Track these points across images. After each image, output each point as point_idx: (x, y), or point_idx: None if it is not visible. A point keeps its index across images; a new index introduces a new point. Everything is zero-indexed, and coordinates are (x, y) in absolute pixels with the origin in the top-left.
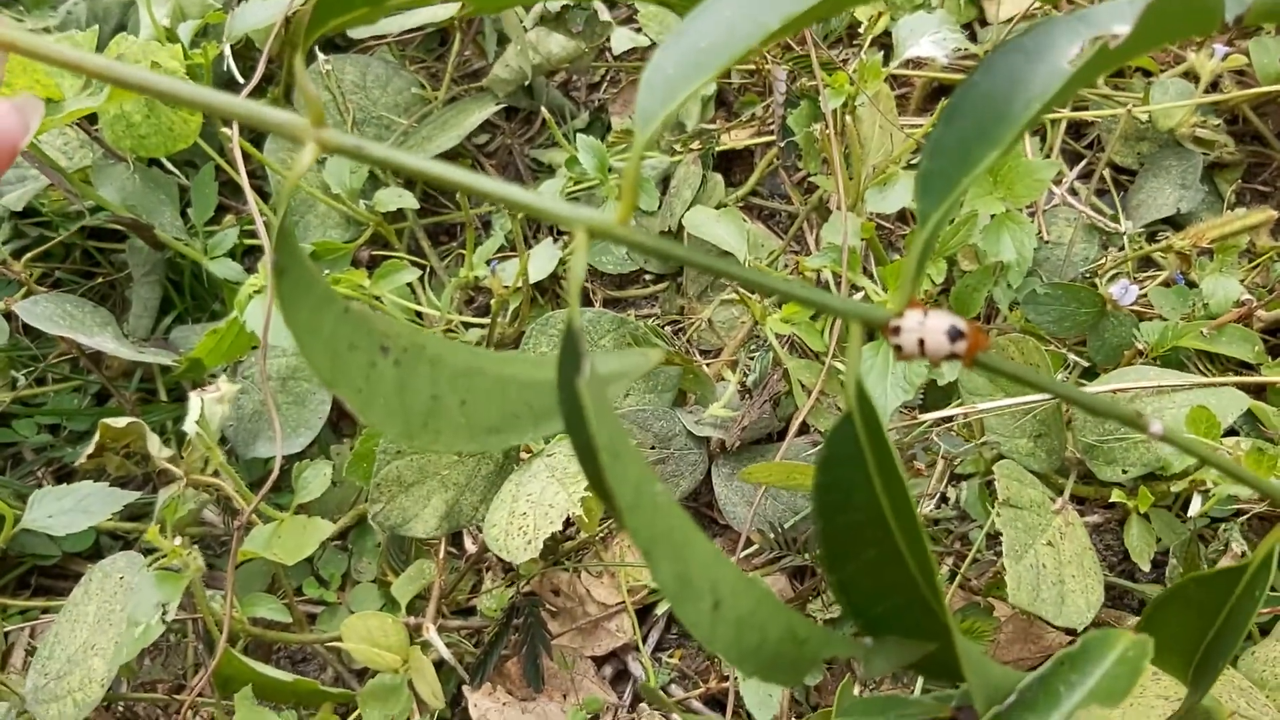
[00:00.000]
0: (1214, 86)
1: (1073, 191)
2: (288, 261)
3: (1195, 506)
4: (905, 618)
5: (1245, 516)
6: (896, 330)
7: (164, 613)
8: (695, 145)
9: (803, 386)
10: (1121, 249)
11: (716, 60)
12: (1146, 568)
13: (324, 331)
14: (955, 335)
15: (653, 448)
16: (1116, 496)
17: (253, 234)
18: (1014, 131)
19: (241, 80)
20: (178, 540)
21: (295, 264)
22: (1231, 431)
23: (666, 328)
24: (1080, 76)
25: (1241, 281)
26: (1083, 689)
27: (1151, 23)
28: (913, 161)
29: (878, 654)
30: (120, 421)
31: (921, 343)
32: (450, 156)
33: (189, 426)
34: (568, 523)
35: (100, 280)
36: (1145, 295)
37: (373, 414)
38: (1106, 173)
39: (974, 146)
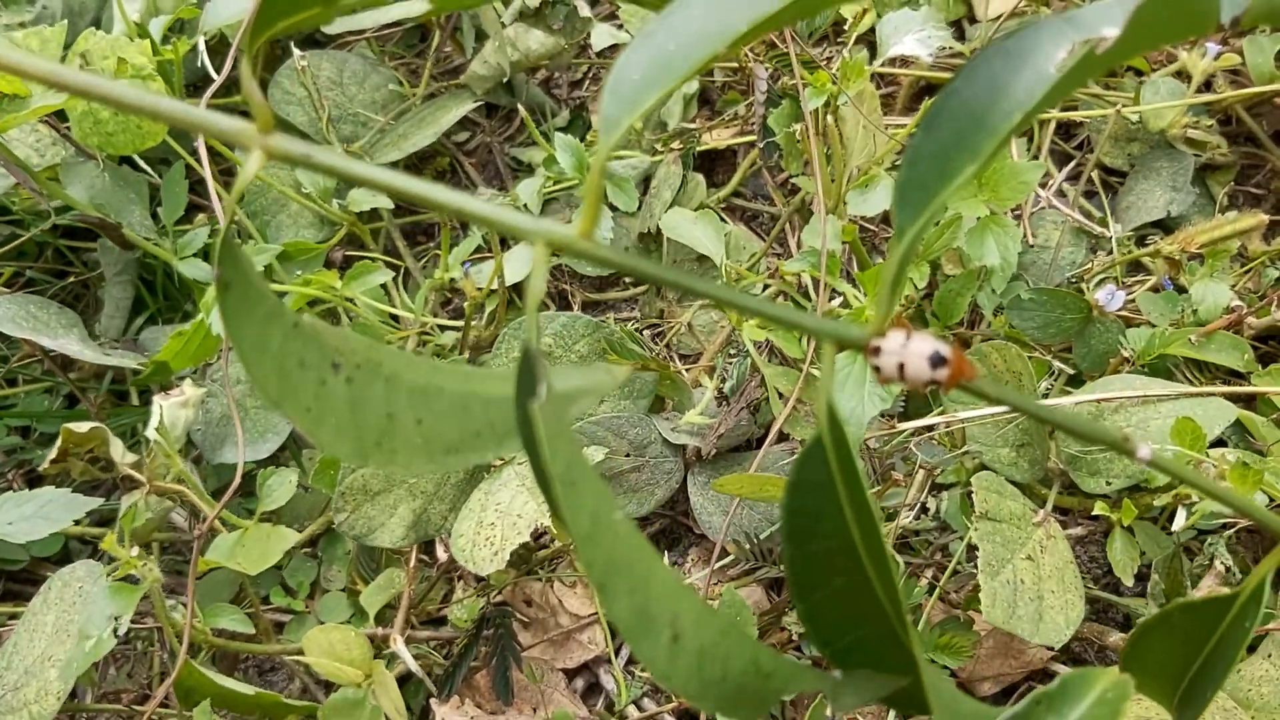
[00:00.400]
0: (1207, 86)
1: (1060, 194)
2: (232, 274)
3: (1180, 520)
4: (874, 649)
5: (1232, 530)
6: (876, 351)
7: (116, 626)
8: (676, 145)
9: (780, 394)
10: (1110, 253)
11: (684, 65)
12: (1130, 582)
13: (271, 348)
14: (938, 361)
15: (627, 455)
16: (1100, 509)
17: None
18: (994, 142)
19: (215, 76)
20: (135, 550)
21: (240, 277)
22: (1220, 442)
23: (645, 331)
24: (1065, 83)
25: (1232, 287)
26: None
27: (1142, 25)
28: (897, 163)
29: (846, 689)
30: (83, 426)
31: (901, 367)
32: (428, 155)
33: (150, 432)
34: (542, 530)
35: (73, 280)
36: (1133, 301)
37: (323, 434)
38: (1095, 174)
39: (953, 156)
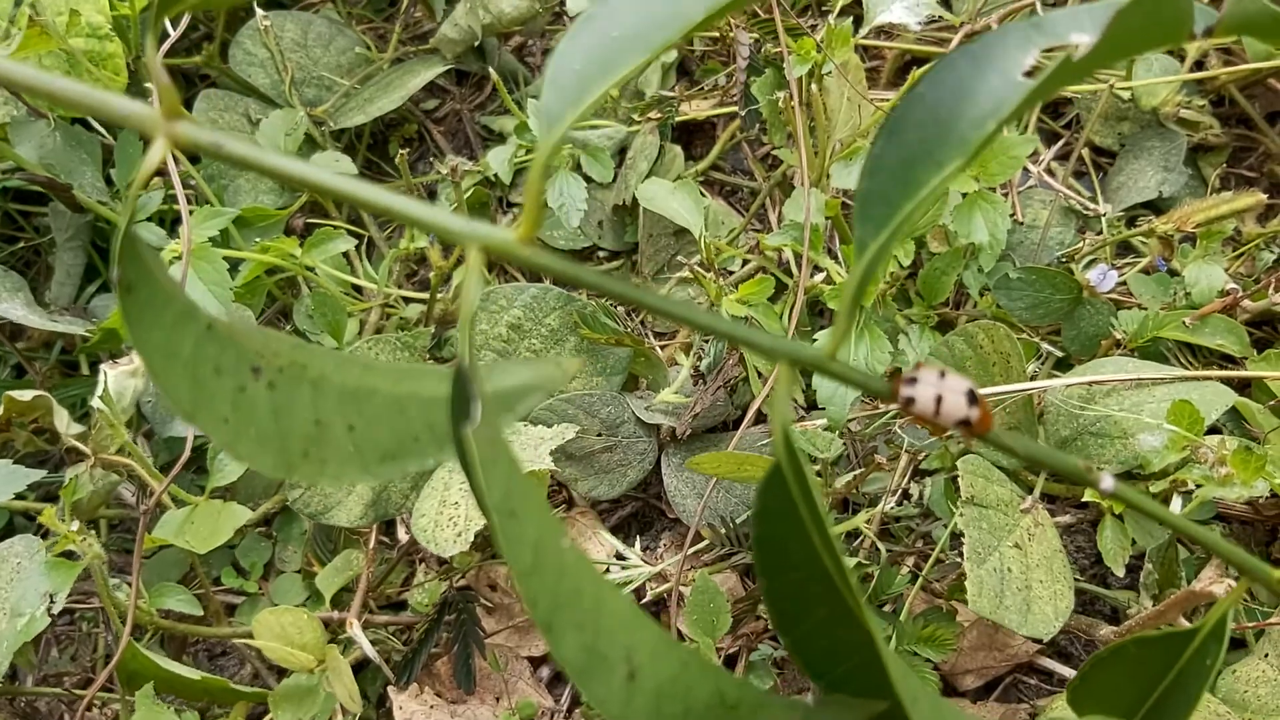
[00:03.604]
0: (1199, 65)
1: (1049, 173)
2: (135, 275)
3: (1175, 508)
4: (865, 678)
5: (1230, 522)
6: (912, 382)
7: (51, 604)
8: (653, 114)
9: (759, 373)
10: (1099, 233)
11: (631, 54)
12: (1121, 573)
13: (183, 354)
14: (972, 400)
15: (599, 434)
16: (1090, 496)
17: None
18: (963, 153)
19: (172, 32)
20: (75, 525)
21: (145, 278)
22: (1214, 430)
23: (619, 307)
24: (1039, 91)
25: (1225, 270)
26: None
27: (1116, 34)
28: None
29: (817, 717)
30: (26, 395)
31: (939, 400)
32: (394, 122)
33: (95, 402)
34: None
35: (22, 245)
36: (1124, 283)
37: (243, 447)
38: (1086, 153)
39: (917, 168)
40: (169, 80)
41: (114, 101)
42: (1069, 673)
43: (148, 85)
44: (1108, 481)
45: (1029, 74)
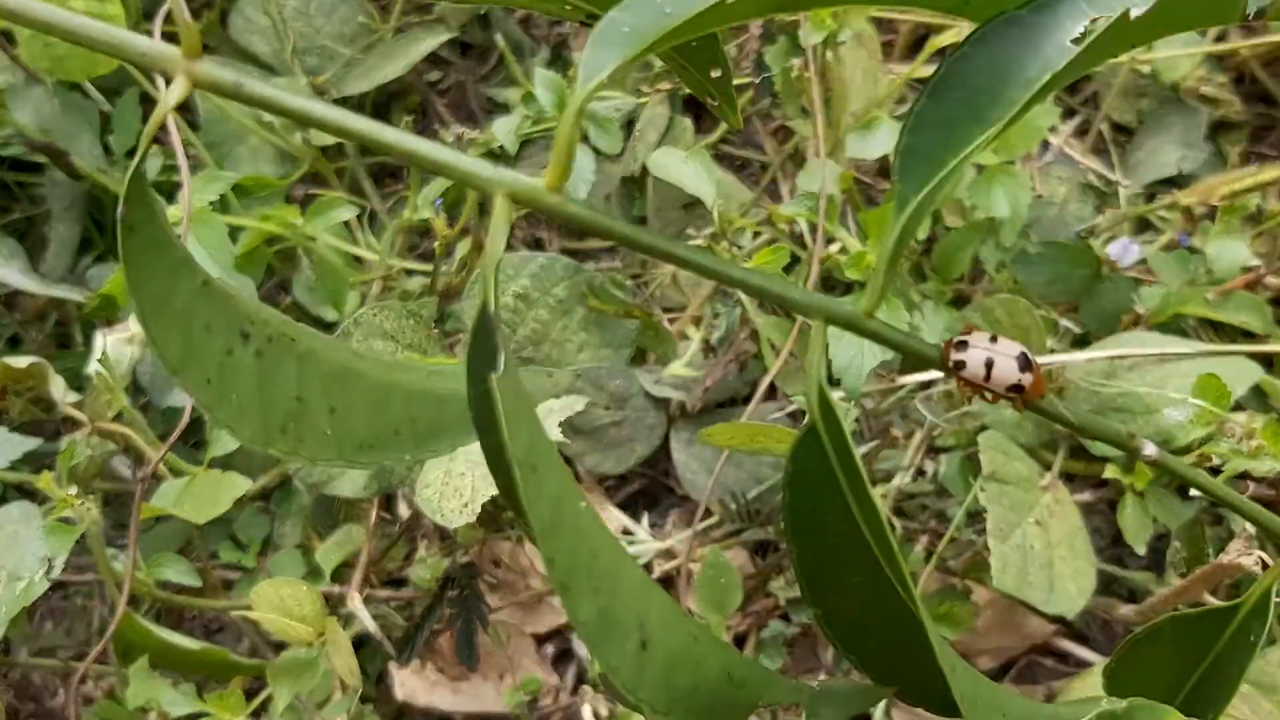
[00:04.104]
0: (1221, 39)
1: (1067, 148)
2: (138, 217)
3: None
4: (901, 651)
5: (1256, 500)
6: (962, 345)
7: (49, 568)
8: (663, 85)
9: (773, 346)
10: (1118, 209)
11: (679, 31)
12: (1142, 551)
13: (175, 305)
14: (1025, 365)
15: (606, 408)
16: (1110, 473)
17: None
18: (1010, 112)
19: None
20: (73, 489)
21: (148, 221)
22: (1236, 407)
23: (628, 282)
24: (1087, 57)
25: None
26: None
27: (1168, 8)
28: (898, 114)
29: (824, 702)
30: (22, 361)
31: (990, 364)
32: (397, 93)
33: (92, 367)
34: None
35: (17, 216)
36: (1143, 261)
37: (223, 412)
38: (1105, 128)
39: (964, 125)
40: (191, 18)
41: (133, 40)
42: (1086, 654)
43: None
44: (1150, 448)
45: (1077, 41)
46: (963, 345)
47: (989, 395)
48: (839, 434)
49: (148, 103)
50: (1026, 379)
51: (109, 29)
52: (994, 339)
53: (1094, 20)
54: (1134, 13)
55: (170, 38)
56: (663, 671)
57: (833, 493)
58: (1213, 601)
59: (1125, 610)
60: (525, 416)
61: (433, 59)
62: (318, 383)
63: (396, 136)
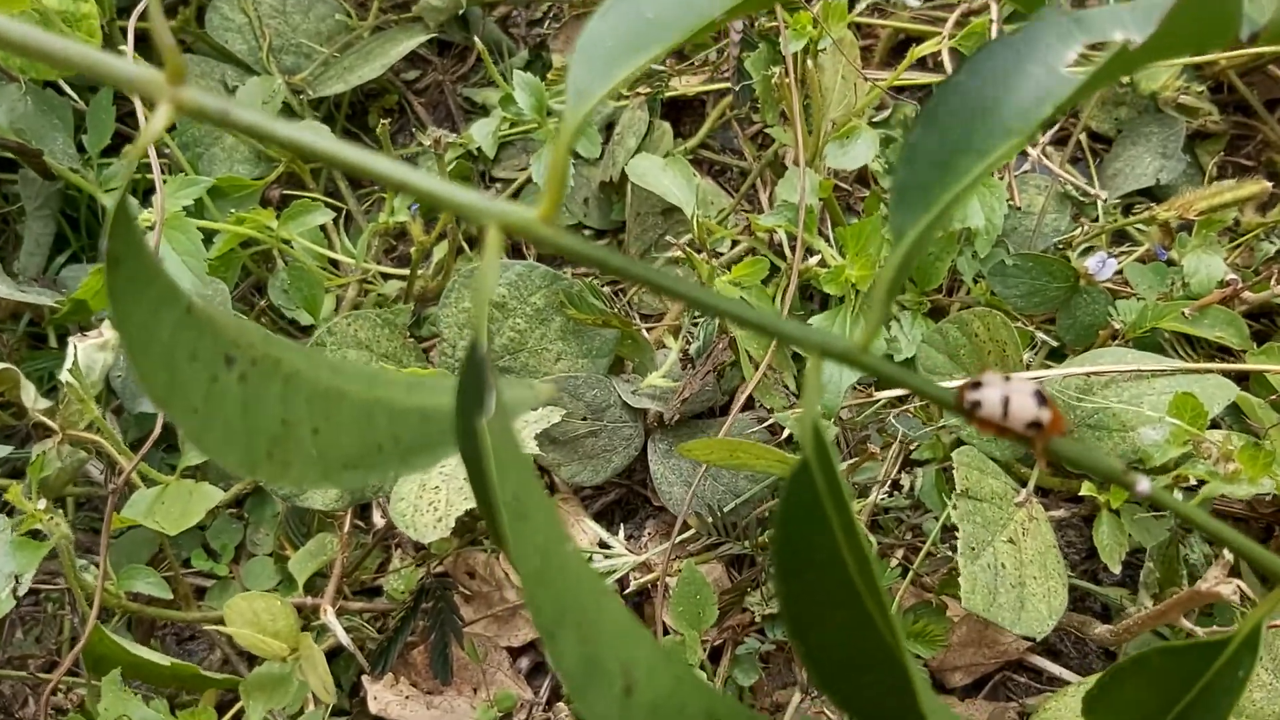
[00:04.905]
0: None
1: (1045, 158)
2: (123, 249)
3: None
4: (881, 694)
5: (1225, 520)
6: (977, 386)
7: (16, 585)
8: (642, 89)
9: (750, 358)
10: (1096, 220)
11: (666, 35)
12: (1117, 570)
13: (161, 337)
14: (1042, 400)
15: (584, 419)
16: (1086, 490)
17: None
18: (1005, 142)
19: None
20: (43, 504)
21: (132, 253)
22: (1212, 425)
23: (605, 289)
24: (1093, 83)
25: (1224, 260)
26: None
27: (1167, 32)
28: (876, 120)
29: None
30: None
31: (1006, 402)
32: (374, 93)
33: (64, 375)
34: None
35: None
36: (1119, 272)
37: (209, 440)
38: (1083, 137)
39: (958, 156)
40: (174, 43)
41: (117, 66)
42: (1059, 671)
43: (121, 48)
44: (1144, 484)
45: (1074, 65)
46: (977, 386)
47: (1009, 434)
48: (832, 473)
49: (121, 100)
50: (1045, 415)
51: (92, 53)
52: (1007, 378)
53: (1090, 46)
54: (1121, 39)
55: (145, 37)
56: (647, 717)
57: (823, 532)
58: (1188, 626)
59: (1101, 630)
60: (514, 461)
61: (410, 58)
62: (303, 404)
63: (389, 167)
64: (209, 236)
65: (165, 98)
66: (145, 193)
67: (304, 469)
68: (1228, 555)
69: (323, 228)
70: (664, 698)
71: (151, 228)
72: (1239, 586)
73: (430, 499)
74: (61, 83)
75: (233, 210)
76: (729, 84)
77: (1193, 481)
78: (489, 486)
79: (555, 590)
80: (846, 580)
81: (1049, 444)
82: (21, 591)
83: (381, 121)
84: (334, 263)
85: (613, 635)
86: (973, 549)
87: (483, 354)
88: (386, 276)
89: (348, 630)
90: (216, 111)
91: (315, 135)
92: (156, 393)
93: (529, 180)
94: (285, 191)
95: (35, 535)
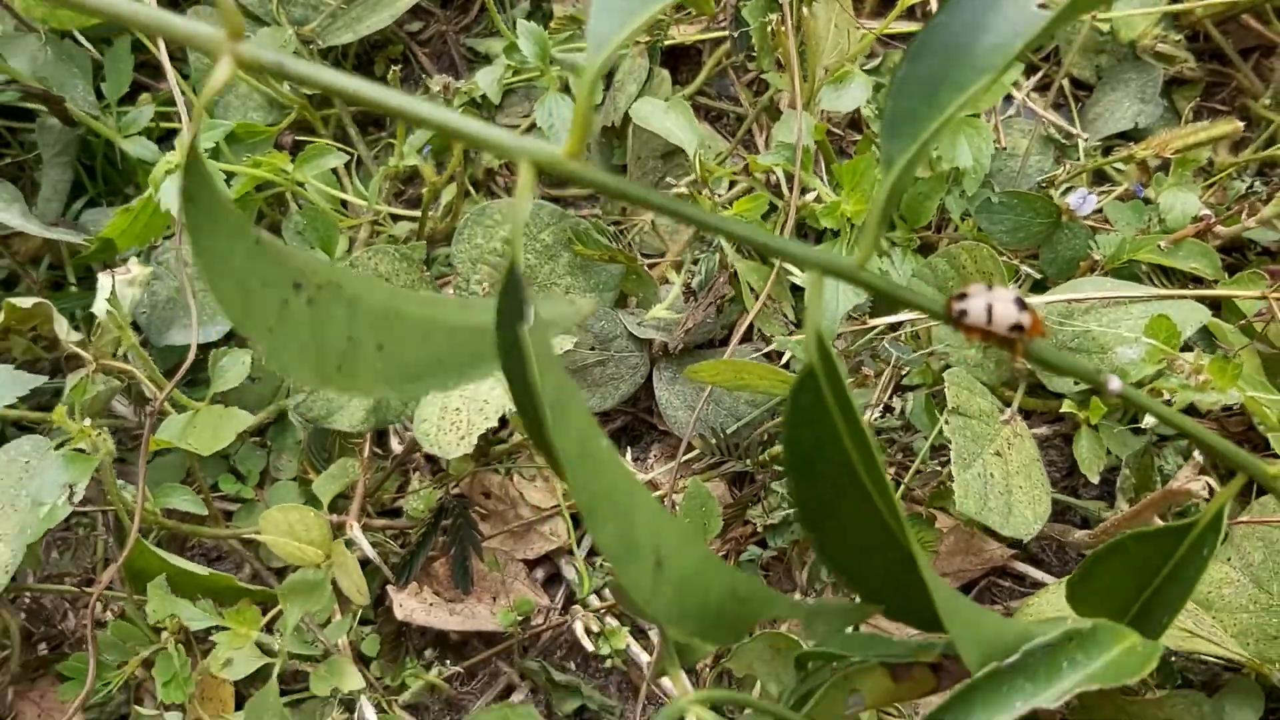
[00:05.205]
0: None
1: (1028, 103)
2: (198, 187)
3: (1150, 420)
4: (888, 573)
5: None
6: (963, 297)
7: (71, 494)
8: (643, 38)
9: (751, 290)
10: (1077, 160)
11: None
12: (1095, 479)
13: (235, 265)
14: (1022, 306)
15: (592, 349)
16: (1067, 407)
17: (168, 116)
18: (979, 78)
19: None
20: (87, 421)
21: (206, 190)
22: (1185, 348)
23: (610, 228)
24: (1060, 17)
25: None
26: (1085, 670)
27: None
28: (868, 68)
29: (818, 617)
30: (26, 301)
31: (990, 309)
32: (379, 44)
33: (98, 306)
34: (503, 422)
35: (8, 161)
36: (1100, 210)
37: (285, 356)
38: (1065, 83)
39: (941, 90)
40: (234, 3)
41: (180, 24)
42: (1041, 576)
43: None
44: (1115, 383)
45: (1043, 5)
46: (963, 297)
47: (994, 339)
48: (836, 377)
49: (139, 50)
50: (1026, 318)
51: (157, 13)
52: (990, 287)
53: None
54: None
55: None
56: (675, 589)
57: (829, 430)
58: (1161, 525)
59: (1079, 535)
60: (552, 363)
61: (414, 9)
62: (366, 323)
63: (432, 110)
64: (227, 179)
65: (226, 52)
66: (160, 139)
67: (371, 381)
68: (1198, 456)
69: (335, 171)
70: (691, 573)
71: (177, 168)
72: (1208, 483)
73: (453, 419)
74: (76, 33)
75: (248, 155)
76: (726, 32)
77: (1166, 396)
78: (531, 386)
79: (591, 474)
80: (852, 471)
81: (1030, 345)
82: (76, 499)
83: (392, 68)
84: (345, 204)
85: (643, 516)
86: (964, 459)
87: (520, 271)
88: (397, 218)
89: (372, 546)
90: (272, 64)
91: (363, 83)
92: (235, 315)
93: (533, 125)
94: (298, 138)
95: (82, 453)
